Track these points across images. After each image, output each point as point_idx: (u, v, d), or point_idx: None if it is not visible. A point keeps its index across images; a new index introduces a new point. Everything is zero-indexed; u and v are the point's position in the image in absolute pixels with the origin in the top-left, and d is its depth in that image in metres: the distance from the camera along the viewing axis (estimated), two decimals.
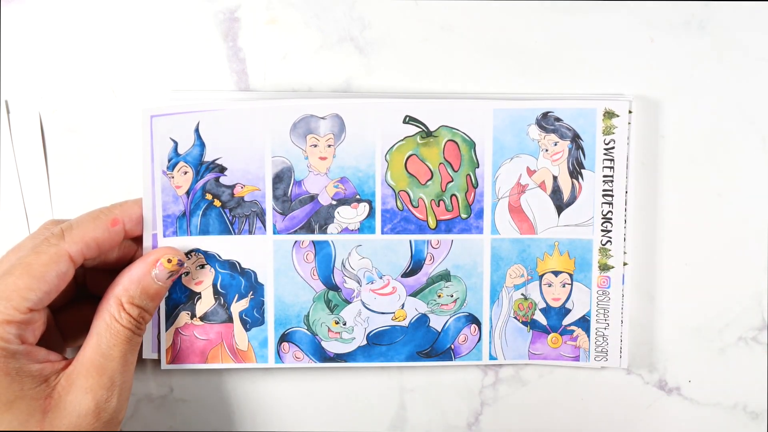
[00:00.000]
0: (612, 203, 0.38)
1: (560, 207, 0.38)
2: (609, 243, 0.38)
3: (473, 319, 0.40)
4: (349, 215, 0.39)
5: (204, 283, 0.39)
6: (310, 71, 0.41)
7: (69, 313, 0.39)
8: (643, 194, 0.42)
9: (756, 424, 0.44)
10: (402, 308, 0.40)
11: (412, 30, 0.41)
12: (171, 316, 0.40)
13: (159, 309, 0.39)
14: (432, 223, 0.39)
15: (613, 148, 0.37)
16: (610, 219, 0.38)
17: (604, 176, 0.37)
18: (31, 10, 0.41)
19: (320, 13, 0.41)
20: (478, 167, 0.38)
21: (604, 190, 0.38)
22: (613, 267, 0.38)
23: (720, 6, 0.41)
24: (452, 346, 0.41)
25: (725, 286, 0.43)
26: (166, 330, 0.40)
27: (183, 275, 0.39)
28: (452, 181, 0.38)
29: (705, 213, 0.42)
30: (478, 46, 0.41)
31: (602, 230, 0.38)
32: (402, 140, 0.38)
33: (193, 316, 0.40)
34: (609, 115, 0.37)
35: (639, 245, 0.42)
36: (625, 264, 0.41)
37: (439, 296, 0.40)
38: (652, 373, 0.43)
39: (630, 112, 0.40)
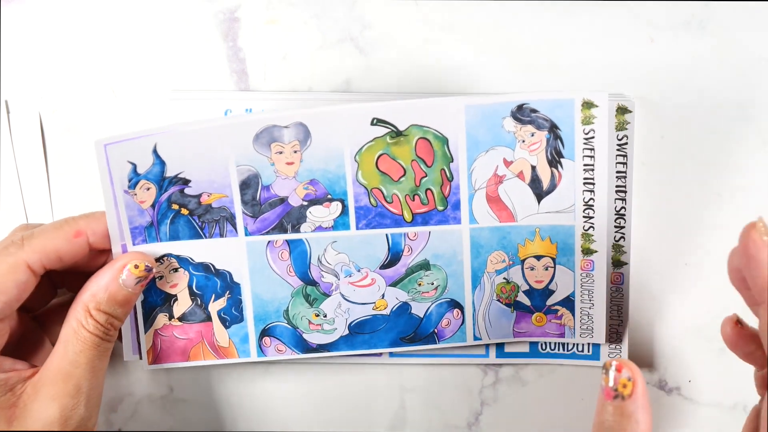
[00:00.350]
0: (593, 191, 0.38)
1: (540, 195, 0.38)
2: (591, 228, 0.38)
3: (455, 304, 0.40)
4: (322, 214, 0.38)
5: (179, 285, 0.39)
6: (310, 71, 0.41)
7: (56, 315, 0.39)
8: (643, 194, 0.42)
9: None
10: (382, 298, 0.40)
11: (412, 30, 0.41)
12: (149, 319, 0.39)
13: (136, 312, 0.39)
14: (408, 217, 0.39)
15: (593, 137, 0.37)
16: (592, 206, 0.38)
17: (585, 165, 0.37)
18: (31, 10, 0.41)
19: (320, 13, 0.41)
20: (452, 161, 0.38)
21: (585, 179, 0.37)
22: (596, 251, 0.38)
23: (720, 6, 0.41)
24: (435, 330, 0.41)
25: (725, 286, 0.43)
26: (145, 332, 0.40)
27: (157, 279, 0.39)
28: (426, 176, 0.38)
29: (705, 213, 0.42)
30: (477, 46, 0.41)
31: (584, 216, 0.38)
32: (371, 141, 0.37)
33: (171, 317, 0.39)
34: (588, 105, 0.37)
35: (639, 245, 0.42)
36: (625, 264, 0.41)
37: (420, 284, 0.40)
38: (652, 373, 0.43)
39: (630, 111, 0.40)
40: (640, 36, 0.41)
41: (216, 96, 0.41)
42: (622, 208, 0.41)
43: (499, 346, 0.43)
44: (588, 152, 0.37)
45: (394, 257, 0.39)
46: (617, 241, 0.40)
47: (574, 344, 0.43)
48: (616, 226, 0.41)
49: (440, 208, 0.38)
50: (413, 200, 0.38)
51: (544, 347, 0.43)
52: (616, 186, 0.41)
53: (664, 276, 0.42)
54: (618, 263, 0.41)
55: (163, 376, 0.44)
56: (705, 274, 0.42)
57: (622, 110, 0.40)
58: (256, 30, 0.41)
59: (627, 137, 0.41)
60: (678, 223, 0.42)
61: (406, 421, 0.44)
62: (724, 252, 0.42)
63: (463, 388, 0.44)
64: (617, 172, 0.41)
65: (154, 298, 0.39)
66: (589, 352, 0.43)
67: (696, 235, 0.42)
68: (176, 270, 0.39)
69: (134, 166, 0.37)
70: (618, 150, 0.41)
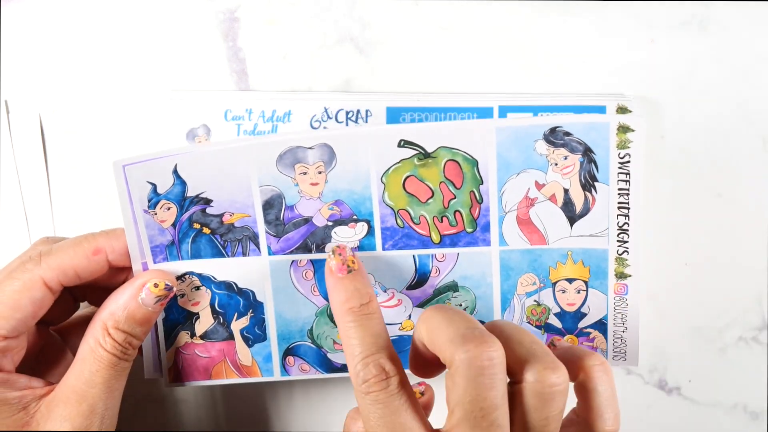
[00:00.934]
0: (628, 215, 0.36)
1: (572, 218, 0.37)
2: (626, 253, 0.37)
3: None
4: (347, 234, 0.38)
5: (201, 303, 0.38)
6: (310, 71, 0.41)
7: (78, 328, 0.38)
8: (643, 194, 0.42)
9: (756, 424, 0.44)
10: (409, 319, 0.39)
11: (412, 30, 0.41)
12: (170, 336, 0.39)
13: (157, 329, 0.39)
14: (436, 238, 0.38)
15: (628, 162, 0.36)
16: (627, 230, 0.37)
17: (620, 189, 0.36)
18: (31, 10, 0.41)
19: (320, 13, 0.41)
20: (482, 184, 0.37)
21: (619, 203, 0.36)
22: (630, 276, 0.37)
23: (720, 6, 0.41)
24: None
25: (725, 286, 0.43)
26: (167, 350, 0.39)
27: (178, 296, 0.38)
28: (455, 198, 0.37)
29: (705, 213, 0.42)
30: (478, 46, 0.41)
31: (618, 241, 0.37)
32: (398, 163, 0.36)
33: (193, 335, 0.39)
34: (623, 129, 0.36)
35: (639, 245, 0.42)
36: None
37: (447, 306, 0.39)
38: (652, 373, 0.43)
39: (630, 111, 0.40)
40: (640, 36, 0.41)
41: (216, 96, 0.41)
42: (626, 223, 0.41)
43: None
44: (623, 176, 0.36)
45: (421, 278, 0.38)
46: (620, 254, 0.40)
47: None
48: (619, 241, 0.41)
49: (469, 230, 0.38)
50: (441, 222, 0.37)
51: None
52: (618, 203, 0.41)
53: (664, 276, 0.42)
54: (621, 275, 0.41)
55: None
56: (705, 274, 0.42)
57: (622, 110, 0.40)
58: (256, 30, 0.41)
59: (629, 156, 0.40)
60: (678, 223, 0.42)
61: None
62: (724, 252, 0.43)
63: None
64: (619, 189, 0.41)
65: (175, 316, 0.38)
66: None
67: (696, 235, 0.42)
68: (198, 288, 0.38)
69: (154, 186, 0.36)
70: (620, 168, 0.40)
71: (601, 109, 0.41)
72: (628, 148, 0.36)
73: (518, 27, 0.41)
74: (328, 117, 0.42)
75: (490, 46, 0.41)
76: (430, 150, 0.36)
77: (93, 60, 0.41)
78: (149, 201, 0.36)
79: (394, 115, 0.42)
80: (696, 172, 0.42)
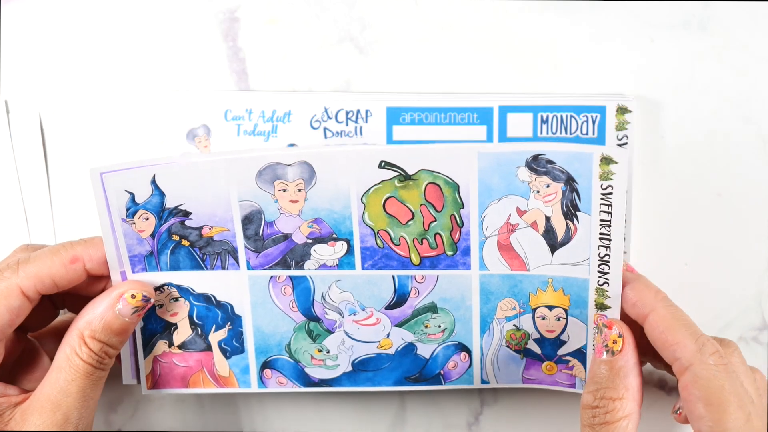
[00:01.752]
0: (609, 246, 0.36)
1: (554, 246, 0.37)
2: (606, 284, 0.36)
3: (463, 347, 0.39)
4: (327, 253, 0.37)
5: (179, 314, 0.38)
6: (310, 71, 0.41)
7: (57, 335, 0.38)
8: (643, 194, 0.42)
9: None
10: (387, 337, 0.39)
11: (412, 30, 0.41)
12: (149, 345, 0.39)
13: (135, 337, 0.38)
14: (415, 260, 0.37)
15: (610, 194, 0.35)
16: (608, 262, 0.36)
17: (602, 221, 0.35)
18: (31, 10, 0.41)
19: (320, 13, 0.41)
20: (463, 208, 0.36)
21: (601, 234, 0.35)
22: (610, 307, 0.36)
23: (720, 6, 0.41)
24: (441, 372, 0.40)
25: (725, 286, 0.43)
26: (144, 357, 0.39)
27: (157, 306, 0.38)
28: (435, 221, 0.37)
29: (705, 213, 0.42)
30: (477, 46, 0.41)
31: (599, 272, 0.36)
32: (379, 184, 0.36)
33: (171, 344, 0.39)
34: (606, 160, 0.35)
35: (639, 245, 0.42)
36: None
37: (426, 326, 0.39)
38: (652, 373, 0.43)
39: (630, 111, 0.40)
40: (640, 36, 0.41)
41: (216, 96, 0.41)
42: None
43: None
44: (605, 208, 0.35)
45: (400, 298, 0.38)
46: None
47: None
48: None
49: (449, 253, 0.37)
50: (422, 244, 0.37)
51: None
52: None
53: (664, 276, 0.42)
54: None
55: None
56: (705, 274, 0.42)
57: (622, 110, 0.40)
58: (256, 30, 0.41)
59: (627, 137, 0.40)
60: (678, 223, 0.42)
61: (406, 421, 0.44)
62: (724, 252, 0.43)
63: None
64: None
65: (154, 326, 0.39)
66: None
67: (696, 235, 0.42)
68: (176, 299, 0.38)
69: (132, 195, 0.36)
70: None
71: (601, 109, 0.41)
72: (611, 179, 0.35)
73: (518, 27, 0.41)
74: (328, 117, 0.42)
75: (490, 46, 0.41)
76: (411, 172, 0.36)
77: (93, 60, 0.41)
78: (127, 210, 0.36)
79: (394, 115, 0.42)
80: (696, 172, 0.42)
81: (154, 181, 0.35)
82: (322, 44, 0.41)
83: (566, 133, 0.41)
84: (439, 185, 0.36)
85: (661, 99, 0.41)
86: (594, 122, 0.41)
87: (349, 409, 0.44)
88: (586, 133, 0.41)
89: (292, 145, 0.42)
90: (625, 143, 0.40)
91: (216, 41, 0.41)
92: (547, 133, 0.41)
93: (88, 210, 0.42)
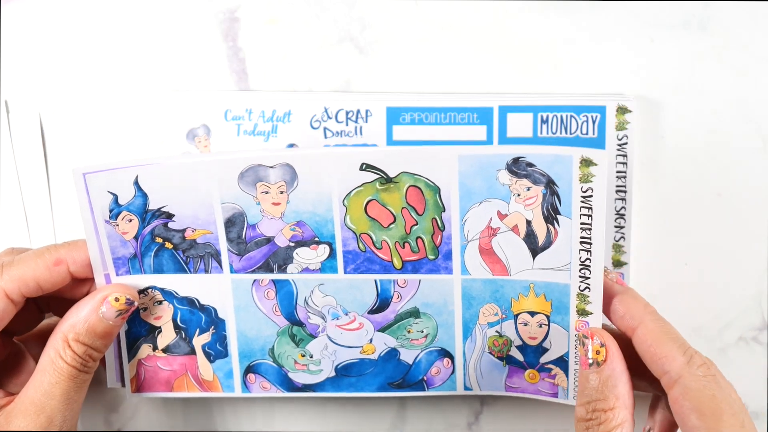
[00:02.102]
0: (590, 251, 0.35)
1: (535, 251, 0.36)
2: (587, 289, 0.36)
3: (446, 353, 0.39)
4: (309, 256, 0.37)
5: (163, 318, 0.38)
6: (310, 71, 0.41)
7: (42, 338, 0.38)
8: (643, 194, 0.42)
9: (756, 425, 0.44)
10: (370, 342, 0.39)
11: (412, 30, 0.41)
12: (133, 348, 0.39)
13: (119, 340, 0.38)
14: (397, 264, 0.37)
15: (590, 196, 0.35)
16: (588, 266, 0.35)
17: (582, 224, 0.35)
18: (31, 10, 0.41)
19: (320, 13, 0.41)
20: (444, 211, 0.36)
21: (581, 237, 0.35)
22: (591, 313, 0.36)
23: (720, 6, 0.41)
24: (425, 378, 0.39)
25: (725, 286, 0.43)
26: (129, 361, 0.39)
27: (141, 310, 0.38)
28: (417, 224, 0.36)
29: (705, 213, 0.42)
30: (477, 46, 0.41)
31: (580, 276, 0.35)
32: (360, 186, 0.36)
33: (155, 348, 0.39)
34: (586, 162, 0.34)
35: (639, 245, 0.42)
36: (625, 264, 0.41)
37: (409, 332, 0.39)
38: None
39: (630, 111, 0.40)
40: (640, 36, 0.41)
41: (216, 96, 0.41)
42: (623, 208, 0.41)
43: None
44: (585, 211, 0.35)
45: (383, 303, 0.38)
46: (617, 241, 0.40)
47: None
48: (616, 226, 0.41)
49: (431, 257, 0.37)
50: (403, 248, 0.37)
51: None
52: (616, 186, 0.41)
53: (664, 276, 0.42)
54: (618, 263, 0.41)
55: None
56: (705, 274, 0.42)
57: (622, 110, 0.40)
58: (256, 30, 0.41)
59: (627, 137, 0.40)
60: (678, 223, 0.42)
61: (406, 421, 0.44)
62: (724, 252, 0.43)
63: None
64: (617, 171, 0.41)
65: (138, 329, 0.38)
66: None
67: (696, 235, 0.42)
68: (160, 303, 0.38)
69: (115, 196, 0.36)
70: (618, 150, 0.41)
71: (601, 109, 0.41)
72: (591, 182, 0.34)
73: (518, 27, 0.41)
74: (328, 117, 0.42)
75: (490, 46, 0.41)
76: (392, 175, 0.35)
77: (93, 60, 0.41)
78: (110, 211, 0.36)
79: (394, 115, 0.42)
80: (696, 172, 0.42)
81: (137, 182, 0.35)
82: (322, 44, 0.41)
83: (566, 133, 0.41)
84: (420, 188, 0.36)
85: (661, 99, 0.41)
86: (594, 122, 0.41)
87: (350, 409, 0.44)
88: (586, 133, 0.41)
89: (291, 145, 0.42)
90: (625, 143, 0.40)
91: (216, 41, 0.41)
92: (547, 133, 0.41)
93: None
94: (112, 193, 0.36)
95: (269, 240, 0.37)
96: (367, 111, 0.42)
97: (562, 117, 0.41)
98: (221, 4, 0.41)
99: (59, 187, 0.42)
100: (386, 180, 0.36)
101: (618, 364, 0.33)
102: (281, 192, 0.36)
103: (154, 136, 0.41)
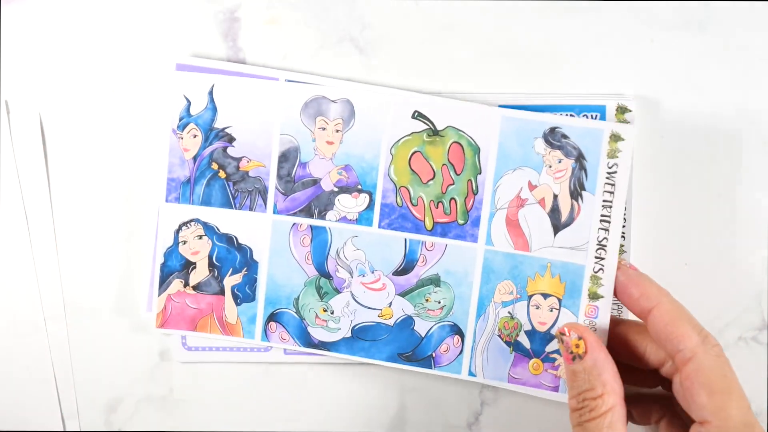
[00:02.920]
0: (608, 230, 0.37)
1: (557, 227, 0.38)
2: (601, 271, 0.37)
3: (457, 330, 0.40)
4: (349, 204, 0.39)
5: (200, 253, 0.40)
6: (310, 71, 0.41)
7: None
8: (643, 194, 0.42)
9: None
10: (389, 306, 0.40)
11: (412, 30, 0.41)
12: (164, 283, 0.40)
13: (153, 274, 0.40)
14: (429, 224, 0.39)
15: (615, 172, 0.37)
16: (605, 246, 0.37)
17: (604, 201, 0.37)
18: (31, 10, 0.41)
19: (320, 13, 0.41)
20: (480, 173, 0.38)
21: (602, 216, 0.37)
22: (602, 297, 0.37)
23: (720, 6, 0.41)
24: (433, 354, 0.40)
25: (725, 286, 0.43)
26: (159, 295, 0.40)
27: (180, 243, 0.40)
28: (453, 184, 0.38)
29: (705, 213, 0.42)
30: (478, 46, 0.41)
31: (596, 257, 0.37)
32: (409, 135, 0.38)
33: (186, 284, 0.40)
34: (615, 137, 0.36)
35: (639, 245, 0.42)
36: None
37: (427, 300, 0.40)
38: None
39: (630, 111, 0.40)
40: (640, 36, 0.41)
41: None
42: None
43: None
44: (609, 188, 0.37)
45: (408, 264, 0.40)
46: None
47: None
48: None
49: (461, 221, 0.39)
50: (437, 207, 0.39)
51: None
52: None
53: (664, 276, 0.42)
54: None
55: (163, 376, 0.44)
56: (705, 274, 0.42)
57: (622, 110, 0.40)
58: (256, 30, 0.41)
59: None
60: (678, 223, 0.42)
61: (406, 421, 0.44)
62: (724, 252, 0.43)
63: (463, 388, 0.44)
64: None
65: (173, 263, 0.40)
66: None
67: (696, 235, 0.42)
68: (200, 237, 0.40)
69: (189, 104, 0.38)
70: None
71: (601, 109, 0.41)
72: (617, 157, 0.36)
73: (518, 27, 0.41)
74: None
75: (490, 46, 0.41)
76: (439, 127, 0.38)
77: (93, 61, 0.41)
78: (180, 120, 0.38)
79: None
80: (696, 172, 0.42)
81: (211, 92, 0.38)
82: (322, 44, 0.41)
83: None
84: (462, 146, 0.38)
85: (661, 99, 0.41)
86: None
87: (351, 409, 0.44)
88: None
89: None
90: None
91: (216, 41, 0.41)
92: None
93: (88, 210, 0.42)
94: (186, 99, 0.38)
95: (316, 182, 0.39)
96: None
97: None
98: (221, 4, 0.41)
99: (59, 187, 0.42)
100: (433, 132, 0.38)
101: (599, 353, 0.34)
102: (337, 130, 0.38)
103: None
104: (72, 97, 0.42)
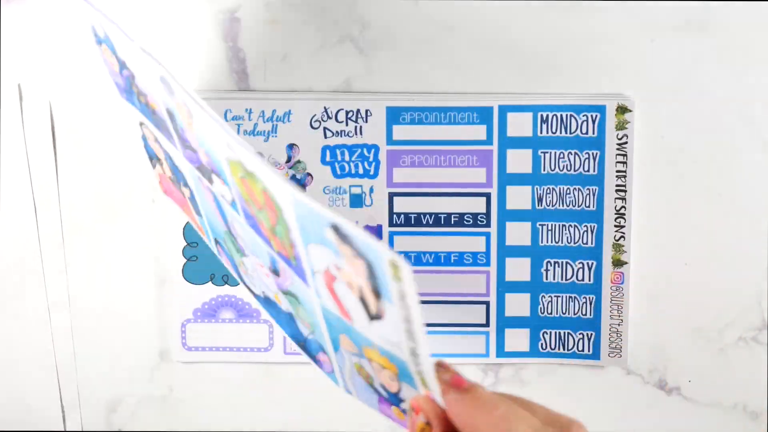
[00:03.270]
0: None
1: (370, 316, 0.27)
2: (623, 238, 0.36)
3: (325, 350, 0.34)
4: (221, 190, 0.32)
5: (161, 154, 0.39)
6: (310, 71, 0.41)
7: None
8: (643, 194, 0.42)
9: (756, 424, 0.44)
10: (277, 296, 0.35)
11: (412, 30, 0.41)
12: (152, 162, 0.39)
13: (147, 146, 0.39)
14: (275, 246, 0.31)
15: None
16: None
17: (618, 171, 0.35)
18: (31, 10, 0.41)
19: (320, 13, 0.41)
20: (290, 232, 0.29)
21: (617, 186, 0.35)
22: (626, 263, 0.36)
23: (720, 6, 0.41)
24: (318, 357, 0.35)
25: (725, 286, 0.43)
26: (153, 168, 0.40)
27: (149, 139, 0.38)
28: (277, 224, 0.29)
29: (705, 213, 0.42)
30: (478, 46, 0.41)
31: (616, 226, 0.36)
32: (234, 159, 0.29)
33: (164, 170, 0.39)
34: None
35: (639, 245, 0.42)
36: (625, 264, 0.41)
37: (298, 311, 0.34)
38: (652, 373, 0.43)
39: (630, 111, 0.40)
40: (640, 36, 0.41)
41: (216, 96, 0.41)
42: (622, 207, 0.41)
43: (499, 345, 0.43)
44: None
45: (275, 271, 0.33)
46: (617, 240, 0.40)
47: (574, 343, 0.43)
48: (615, 226, 0.41)
49: (294, 262, 0.30)
50: (275, 236, 0.30)
51: (544, 346, 0.43)
52: (616, 186, 0.41)
53: (664, 276, 0.42)
54: (618, 263, 0.41)
55: (163, 375, 0.44)
56: (705, 274, 0.42)
57: (622, 110, 0.40)
58: (256, 30, 0.41)
59: (627, 137, 0.41)
60: (678, 223, 0.42)
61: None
62: (724, 252, 0.43)
63: None
64: (617, 171, 0.41)
65: (150, 150, 0.39)
66: (589, 351, 0.43)
67: (696, 235, 0.42)
68: (156, 141, 0.37)
69: (93, 29, 0.35)
70: (618, 150, 0.41)
71: (601, 109, 0.41)
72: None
73: (518, 27, 0.41)
74: (328, 117, 0.42)
75: (490, 46, 0.41)
76: (249, 169, 0.29)
77: (93, 60, 0.41)
78: (96, 37, 0.35)
79: (394, 115, 0.42)
80: (696, 172, 0.42)
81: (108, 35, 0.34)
82: (322, 44, 0.41)
83: (566, 132, 0.41)
84: (269, 195, 0.28)
85: (661, 99, 0.41)
86: (594, 122, 0.41)
87: (351, 409, 0.44)
88: (586, 133, 0.41)
89: (291, 146, 0.42)
90: (625, 143, 0.40)
91: (216, 41, 0.41)
92: (547, 132, 0.41)
93: (96, 195, 0.42)
94: (92, 27, 0.35)
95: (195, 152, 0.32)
96: (367, 111, 0.42)
97: (562, 116, 0.41)
98: (221, 4, 0.41)
99: (67, 174, 0.42)
100: (246, 172, 0.29)
101: (440, 412, 0.28)
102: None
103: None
104: (81, 89, 0.42)
